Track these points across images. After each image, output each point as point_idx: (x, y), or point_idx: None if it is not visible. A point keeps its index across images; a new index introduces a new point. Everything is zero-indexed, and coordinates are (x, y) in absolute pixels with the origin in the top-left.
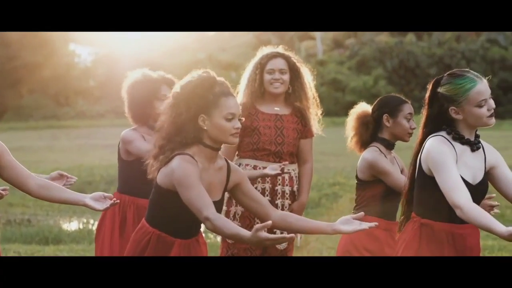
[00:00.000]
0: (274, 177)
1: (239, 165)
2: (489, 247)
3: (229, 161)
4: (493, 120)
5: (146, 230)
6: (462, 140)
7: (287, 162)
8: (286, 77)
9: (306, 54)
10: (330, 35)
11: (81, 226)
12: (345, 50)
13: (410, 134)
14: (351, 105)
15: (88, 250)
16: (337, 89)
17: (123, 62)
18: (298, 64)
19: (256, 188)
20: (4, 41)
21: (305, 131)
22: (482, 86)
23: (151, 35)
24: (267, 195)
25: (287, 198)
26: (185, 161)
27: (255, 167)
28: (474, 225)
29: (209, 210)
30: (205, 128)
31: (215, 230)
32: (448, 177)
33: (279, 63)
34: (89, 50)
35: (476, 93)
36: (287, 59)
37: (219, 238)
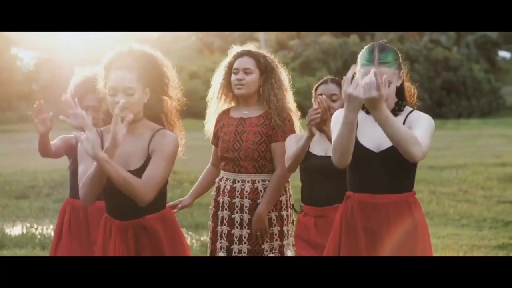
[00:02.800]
0: (232, 189)
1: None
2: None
3: (161, 130)
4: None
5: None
6: (366, 111)
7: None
8: (251, 77)
9: None
10: (274, 36)
11: (24, 231)
12: (289, 51)
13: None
14: (296, 106)
15: (31, 254)
16: None
17: (66, 66)
18: (272, 64)
19: (217, 201)
20: None
21: (273, 134)
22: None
23: (94, 39)
24: (225, 209)
25: (246, 212)
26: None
27: (221, 179)
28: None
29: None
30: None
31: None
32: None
33: (245, 62)
34: (31, 54)
35: (363, 72)
36: (256, 57)
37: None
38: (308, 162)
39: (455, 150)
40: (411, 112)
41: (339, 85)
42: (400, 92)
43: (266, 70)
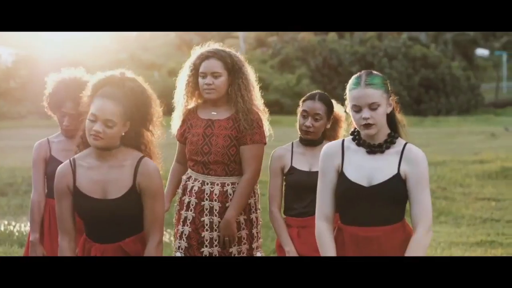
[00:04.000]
0: (201, 191)
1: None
2: None
3: (143, 161)
4: (367, 130)
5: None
6: (357, 142)
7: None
8: (220, 81)
9: None
10: (253, 33)
11: (2, 228)
12: (268, 48)
13: (304, 132)
14: (275, 103)
15: (9, 252)
16: (260, 88)
17: (44, 63)
18: (239, 63)
19: (182, 200)
20: None
21: (241, 137)
22: (358, 92)
23: (73, 36)
24: (191, 210)
25: (216, 215)
26: (58, 172)
27: (189, 178)
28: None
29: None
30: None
31: None
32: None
33: (212, 65)
34: (9, 51)
35: (351, 96)
36: (223, 59)
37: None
38: (292, 177)
39: (434, 147)
40: (405, 146)
41: (326, 104)
42: (392, 122)
43: (233, 70)
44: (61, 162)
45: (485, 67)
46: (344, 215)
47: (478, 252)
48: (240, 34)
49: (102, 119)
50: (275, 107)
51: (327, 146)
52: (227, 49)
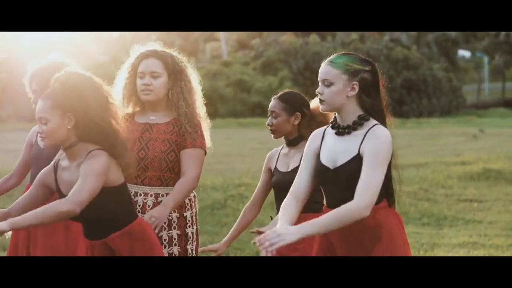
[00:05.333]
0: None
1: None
2: None
3: (92, 152)
4: (321, 106)
5: None
6: (331, 126)
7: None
8: (159, 81)
9: (211, 55)
10: (235, 36)
11: None
12: (250, 51)
13: (270, 131)
14: (257, 106)
15: None
16: (242, 90)
17: (24, 66)
18: (181, 65)
19: None
20: None
21: (182, 141)
22: (321, 68)
23: (53, 38)
24: None
25: None
26: (43, 170)
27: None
28: None
29: None
30: None
31: None
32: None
33: (151, 65)
34: None
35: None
36: (163, 59)
37: None
38: (273, 178)
39: (416, 149)
40: (373, 126)
41: (283, 100)
42: (363, 105)
43: (174, 72)
44: (41, 148)
45: (466, 68)
46: (325, 198)
47: (460, 253)
48: (222, 36)
49: (37, 119)
50: (257, 110)
51: (314, 132)
52: (169, 50)
